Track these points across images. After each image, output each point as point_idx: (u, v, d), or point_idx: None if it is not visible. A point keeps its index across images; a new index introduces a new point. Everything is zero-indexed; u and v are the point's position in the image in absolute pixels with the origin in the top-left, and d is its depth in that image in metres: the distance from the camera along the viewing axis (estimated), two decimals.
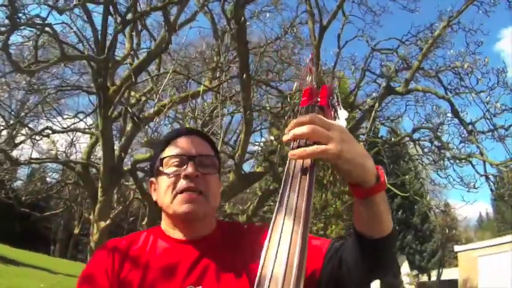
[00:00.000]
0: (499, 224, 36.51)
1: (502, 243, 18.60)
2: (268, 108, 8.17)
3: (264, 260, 0.70)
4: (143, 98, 6.72)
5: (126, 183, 7.94)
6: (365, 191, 0.86)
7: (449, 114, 6.80)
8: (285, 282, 0.65)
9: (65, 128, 7.10)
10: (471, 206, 7.10)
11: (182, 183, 1.10)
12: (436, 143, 7.20)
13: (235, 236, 1.18)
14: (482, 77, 5.34)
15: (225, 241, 1.16)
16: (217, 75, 7.85)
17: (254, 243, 1.05)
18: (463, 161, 6.24)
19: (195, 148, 1.17)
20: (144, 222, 5.22)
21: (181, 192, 1.10)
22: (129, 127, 6.26)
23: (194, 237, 1.13)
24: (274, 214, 0.76)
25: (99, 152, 8.32)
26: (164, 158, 1.15)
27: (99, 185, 5.53)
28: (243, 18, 4.46)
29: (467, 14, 6.04)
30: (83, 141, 9.85)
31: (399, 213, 24.10)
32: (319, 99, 1.00)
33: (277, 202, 0.78)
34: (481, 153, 5.94)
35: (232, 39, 5.14)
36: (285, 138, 0.84)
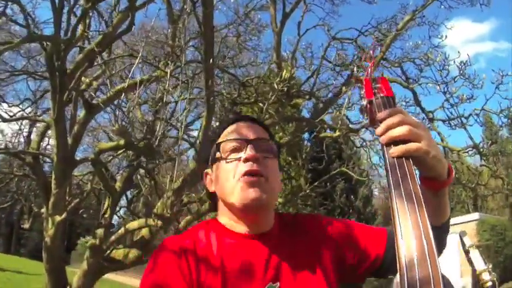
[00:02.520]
0: None
1: None
2: (225, 94, 8.04)
3: (404, 243, 0.74)
4: (94, 83, 6.35)
5: (75, 174, 7.54)
6: (441, 183, 0.94)
7: (404, 103, 7.05)
8: (430, 256, 0.71)
9: (11, 116, 6.60)
10: None
11: (243, 166, 1.05)
12: None
13: (294, 227, 1.15)
14: (442, 69, 5.52)
15: (287, 233, 1.12)
16: (171, 60, 7.58)
17: (316, 233, 1.13)
18: None
19: (253, 132, 1.12)
20: (106, 215, 4.97)
21: (243, 176, 1.04)
22: (81, 114, 5.91)
23: (260, 232, 1.08)
24: (394, 201, 0.79)
25: (45, 141, 7.84)
26: (221, 142, 1.10)
27: (53, 176, 5.18)
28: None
29: (430, 8, 6.23)
30: (25, 131, 9.29)
31: (343, 197, 24.86)
32: (377, 88, 1.01)
33: (393, 190, 0.81)
34: (442, 140, 6.19)
35: (198, 24, 4.92)
36: (384, 141, 0.88)
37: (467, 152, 6.01)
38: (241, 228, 1.07)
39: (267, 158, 1.09)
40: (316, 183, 8.19)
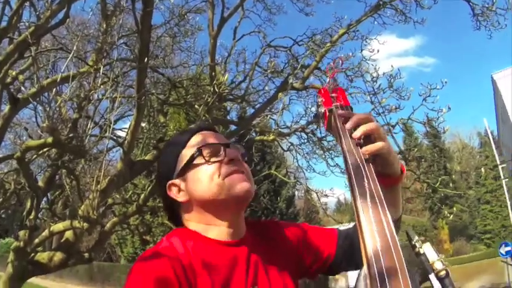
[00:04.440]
0: None
1: None
2: (155, 94, 7.91)
3: (370, 238, 0.80)
4: (20, 77, 5.98)
5: None
6: (395, 179, 1.06)
7: None
8: (394, 249, 0.78)
9: None
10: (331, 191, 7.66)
11: (229, 167, 1.09)
12: (318, 135, 7.69)
13: (261, 233, 1.20)
14: (373, 81, 5.84)
15: (257, 239, 1.17)
16: (102, 57, 7.33)
17: (279, 238, 1.21)
18: None
19: (223, 139, 1.17)
20: (31, 217, 4.70)
21: (230, 175, 1.08)
22: (6, 109, 5.55)
23: (235, 238, 1.11)
24: (358, 200, 0.86)
25: None
26: (201, 147, 1.11)
27: None
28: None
29: (364, 23, 6.56)
30: None
31: (266, 198, 25.18)
32: (334, 98, 1.12)
33: (356, 190, 0.88)
34: None
35: (135, 22, 4.81)
36: (357, 134, 0.97)
37: None
38: (216, 233, 1.09)
39: (243, 160, 1.15)
40: None
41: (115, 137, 7.47)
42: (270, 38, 7.37)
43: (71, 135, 5.24)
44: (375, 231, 0.81)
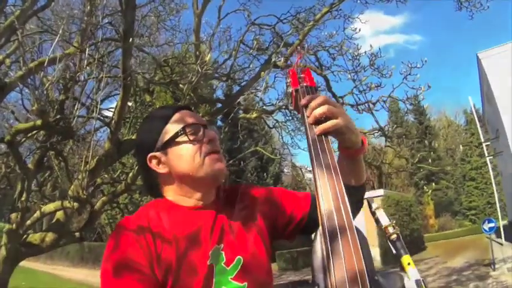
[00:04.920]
0: None
1: None
2: (141, 74, 7.90)
3: (324, 201, 0.94)
4: (7, 61, 5.97)
5: None
6: (357, 151, 1.19)
7: None
8: (344, 211, 0.91)
9: None
10: None
11: (209, 147, 1.22)
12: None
13: (232, 196, 1.31)
14: (353, 59, 5.94)
15: (226, 201, 1.29)
16: (87, 37, 7.29)
17: (250, 200, 1.32)
18: None
19: (200, 119, 1.28)
20: (23, 198, 4.77)
21: (209, 154, 1.21)
22: None
23: (205, 203, 1.23)
24: (316, 170, 1.00)
25: None
26: (185, 126, 1.21)
27: None
28: None
29: (348, 2, 6.61)
30: None
31: (254, 174, 25.45)
32: (302, 78, 1.22)
33: (314, 161, 1.02)
34: None
35: (119, 2, 4.81)
36: (310, 120, 1.09)
37: (373, 134, 6.59)
38: (188, 201, 1.22)
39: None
40: (230, 162, 8.42)
41: (102, 117, 7.48)
42: (254, 16, 7.40)
43: (58, 116, 5.27)
44: (328, 195, 0.94)
